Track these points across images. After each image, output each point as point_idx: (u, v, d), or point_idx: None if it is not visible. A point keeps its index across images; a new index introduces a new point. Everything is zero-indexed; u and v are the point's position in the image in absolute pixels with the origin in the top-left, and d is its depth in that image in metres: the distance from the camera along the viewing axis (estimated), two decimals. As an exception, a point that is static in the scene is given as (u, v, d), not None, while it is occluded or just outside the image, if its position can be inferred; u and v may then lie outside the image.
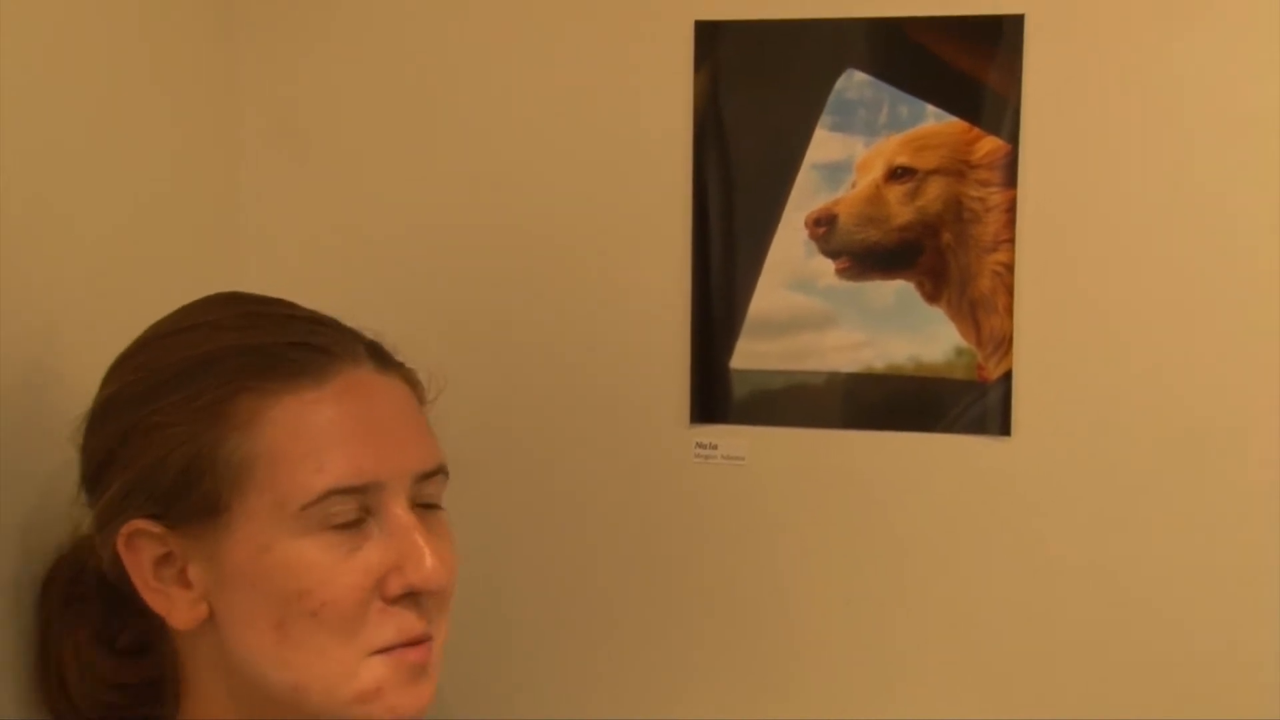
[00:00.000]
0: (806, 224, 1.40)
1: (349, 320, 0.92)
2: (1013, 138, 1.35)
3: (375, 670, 0.80)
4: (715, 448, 1.44)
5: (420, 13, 1.47)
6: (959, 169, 1.36)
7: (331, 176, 1.51)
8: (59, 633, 0.89)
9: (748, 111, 1.40)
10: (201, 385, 0.80)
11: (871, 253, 1.38)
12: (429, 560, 0.81)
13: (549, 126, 1.45)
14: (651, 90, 1.43)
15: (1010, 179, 1.35)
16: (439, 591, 0.83)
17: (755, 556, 1.45)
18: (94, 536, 0.86)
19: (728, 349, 1.43)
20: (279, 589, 0.78)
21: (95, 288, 1.14)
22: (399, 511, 0.82)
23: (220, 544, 0.80)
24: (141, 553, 0.81)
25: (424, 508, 0.85)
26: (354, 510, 0.80)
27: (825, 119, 1.38)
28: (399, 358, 0.91)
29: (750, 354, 1.42)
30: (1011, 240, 1.35)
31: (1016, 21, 1.33)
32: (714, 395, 1.44)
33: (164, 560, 0.81)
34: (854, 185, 1.38)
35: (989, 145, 1.35)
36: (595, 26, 1.43)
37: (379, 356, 0.87)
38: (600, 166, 1.45)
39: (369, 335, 0.90)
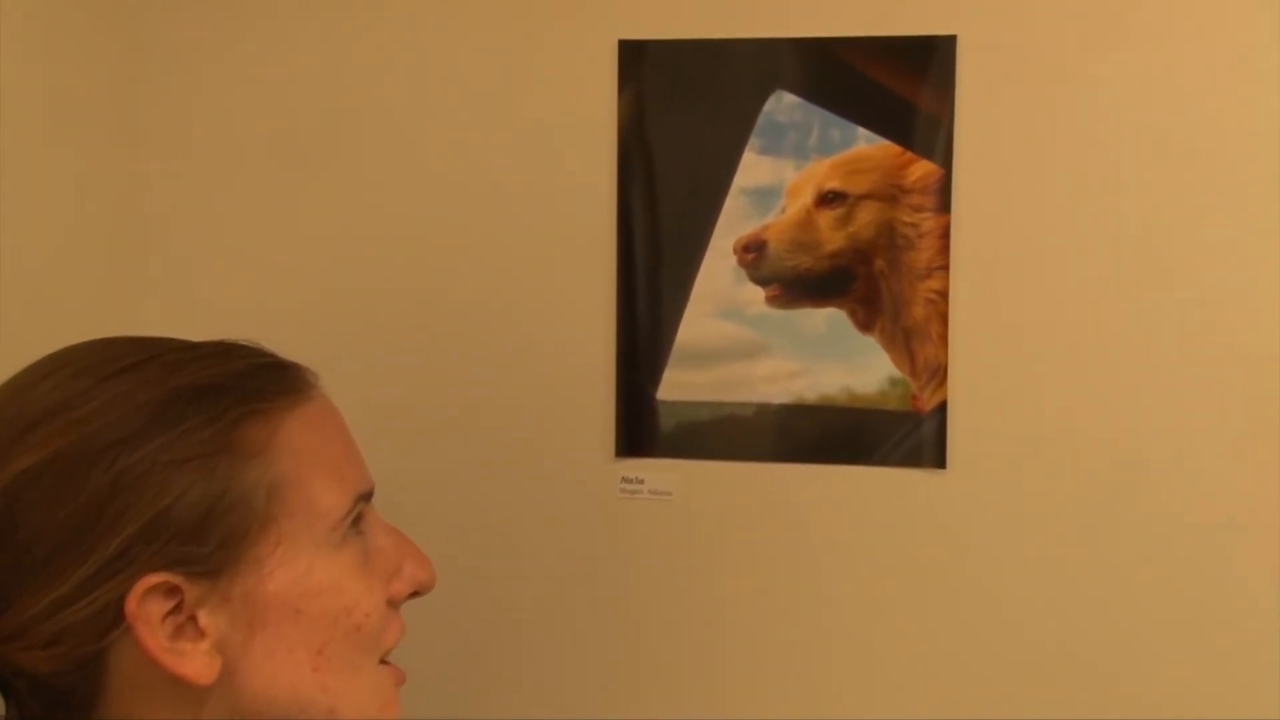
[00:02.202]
0: (735, 250, 1.37)
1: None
2: (946, 161, 1.33)
3: (385, 679, 0.81)
4: (642, 482, 1.41)
5: (330, 35, 1.44)
6: (891, 194, 1.34)
7: (238, 203, 1.47)
8: None
9: (674, 134, 1.38)
10: (199, 417, 0.75)
11: (802, 280, 1.36)
12: (424, 562, 0.83)
13: (468, 151, 1.42)
14: (574, 113, 1.40)
15: (944, 204, 1.33)
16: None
17: (684, 594, 1.42)
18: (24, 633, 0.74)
19: (654, 380, 1.40)
20: (325, 610, 0.77)
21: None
22: (378, 518, 0.83)
23: (247, 579, 0.75)
24: (151, 612, 0.74)
25: None
26: (357, 520, 0.80)
27: (754, 142, 1.36)
28: None
29: (678, 385, 1.39)
30: (945, 267, 1.33)
31: (948, 42, 1.32)
32: (640, 428, 1.41)
33: (171, 615, 0.74)
34: (784, 210, 1.36)
35: (922, 169, 1.33)
36: (515, 47, 1.41)
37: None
38: (521, 192, 1.42)
39: None
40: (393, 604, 0.81)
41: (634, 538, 1.42)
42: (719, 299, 1.38)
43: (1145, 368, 1.32)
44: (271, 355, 0.82)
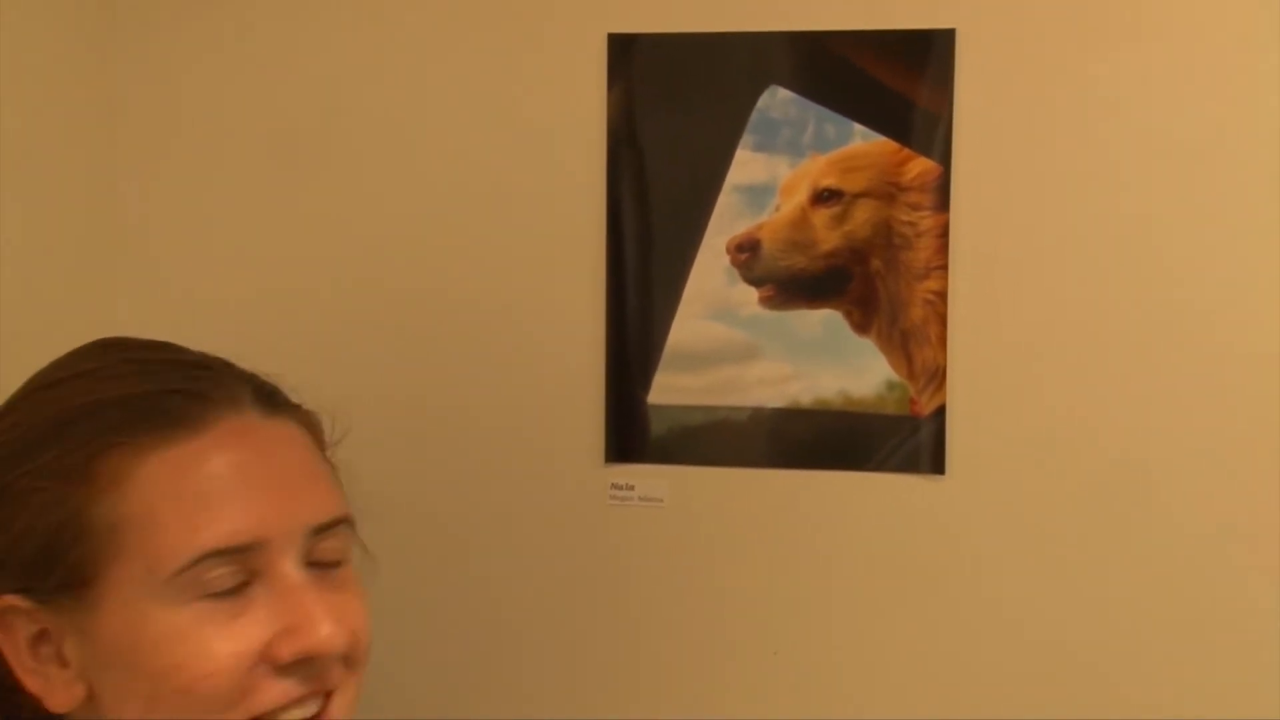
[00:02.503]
0: (728, 250, 1.35)
1: (240, 359, 0.86)
2: (944, 158, 1.31)
3: None
4: (632, 489, 1.39)
5: (312, 30, 1.41)
6: (889, 191, 1.32)
7: (218, 203, 1.44)
8: None
9: (664, 131, 1.36)
10: (72, 442, 0.74)
11: (797, 280, 1.34)
12: (324, 626, 0.75)
13: (452, 149, 1.40)
14: (561, 108, 1.37)
15: (942, 202, 1.31)
16: (342, 655, 0.77)
17: (675, 604, 1.39)
18: None
19: (645, 383, 1.37)
20: (151, 664, 0.73)
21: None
22: (287, 571, 0.76)
23: (91, 618, 0.74)
24: (16, 631, 0.74)
25: (323, 565, 0.78)
26: (235, 574, 0.74)
27: (747, 138, 1.34)
28: (294, 398, 0.84)
29: (669, 388, 1.37)
30: (944, 267, 1.31)
31: (947, 36, 1.29)
32: (630, 433, 1.38)
33: (40, 638, 0.75)
34: (778, 209, 1.34)
35: (920, 166, 1.31)
36: (501, 41, 1.38)
37: (267, 399, 0.81)
38: (508, 190, 1.39)
39: (264, 376, 0.83)
40: (274, 665, 0.75)
41: (624, 546, 1.40)
42: (711, 300, 1.36)
43: (1148, 369, 1.30)
44: (190, 380, 0.78)
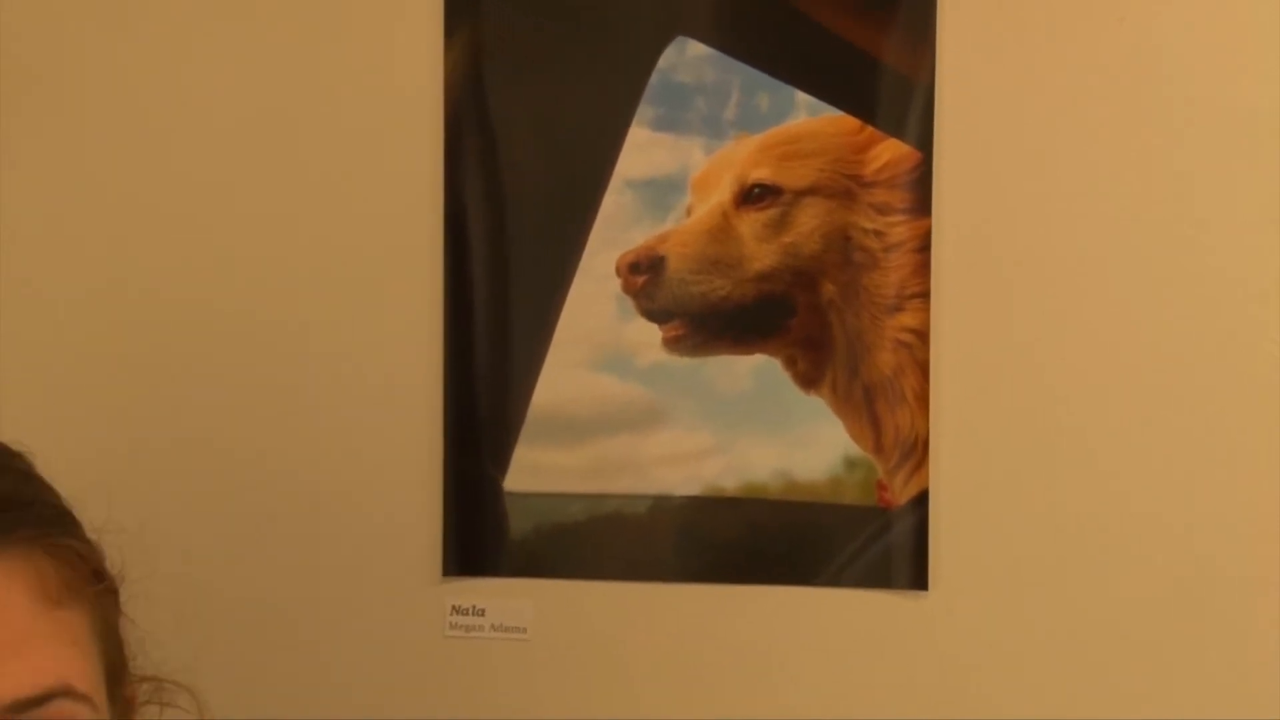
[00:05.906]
0: (618, 270, 1.20)
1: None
2: (924, 141, 1.16)
3: None
4: (482, 613, 1.22)
5: None
6: (845, 188, 1.17)
7: None
8: None
9: (526, 104, 1.21)
10: None
11: (717, 313, 1.19)
12: None
13: (230, 132, 1.24)
14: (381, 72, 1.22)
15: (921, 202, 1.16)
16: None
17: None
18: None
19: (499, 461, 1.22)
20: None
21: None
22: None
23: None
24: None
25: None
26: None
27: (645, 111, 1.19)
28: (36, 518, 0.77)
29: (534, 468, 1.22)
30: (925, 294, 1.16)
31: None
32: (478, 532, 1.23)
33: None
34: (690, 212, 1.19)
35: (889, 153, 1.17)
36: None
37: None
38: (306, 194, 1.23)
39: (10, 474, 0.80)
40: None
41: (470, 694, 1.23)
42: (595, 341, 1.22)
43: (1212, 440, 1.12)
44: None
